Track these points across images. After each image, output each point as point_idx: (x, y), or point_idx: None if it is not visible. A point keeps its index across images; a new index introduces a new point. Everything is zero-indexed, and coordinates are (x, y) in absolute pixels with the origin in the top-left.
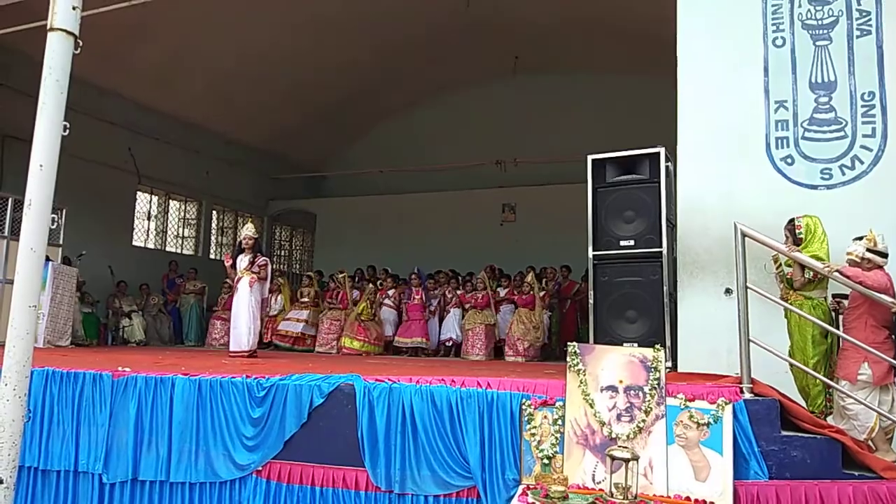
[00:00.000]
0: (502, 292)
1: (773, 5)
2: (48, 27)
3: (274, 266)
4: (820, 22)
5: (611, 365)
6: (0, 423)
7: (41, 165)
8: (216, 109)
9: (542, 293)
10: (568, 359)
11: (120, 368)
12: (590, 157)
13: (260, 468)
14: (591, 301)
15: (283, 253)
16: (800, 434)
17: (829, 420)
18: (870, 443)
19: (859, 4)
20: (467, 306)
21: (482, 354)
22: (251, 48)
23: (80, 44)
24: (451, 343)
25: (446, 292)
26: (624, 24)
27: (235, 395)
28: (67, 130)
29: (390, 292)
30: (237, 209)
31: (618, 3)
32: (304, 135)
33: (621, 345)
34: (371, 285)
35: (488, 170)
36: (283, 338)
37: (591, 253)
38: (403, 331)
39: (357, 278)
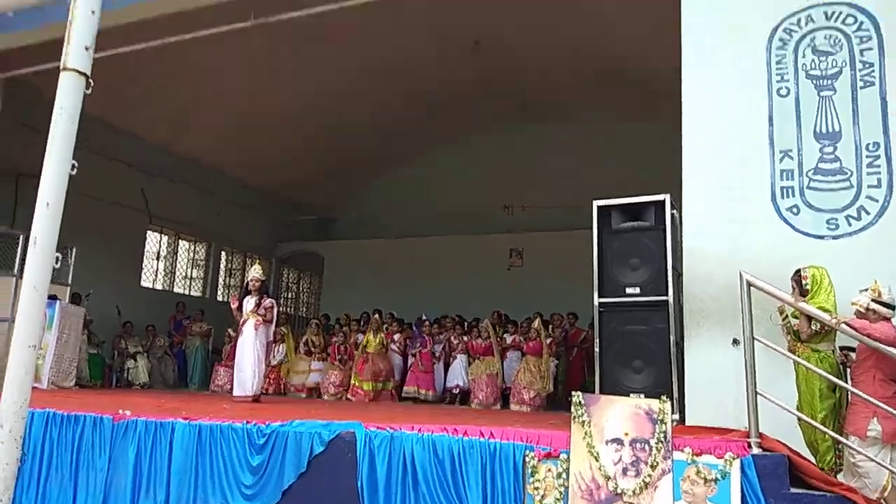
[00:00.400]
0: (508, 339)
1: (777, 55)
2: (61, 67)
3: (280, 308)
4: (824, 72)
5: (616, 416)
6: None
7: (48, 203)
8: (230, 153)
9: (548, 340)
10: (572, 409)
11: (121, 411)
12: (595, 203)
13: None
14: (596, 349)
15: (290, 295)
16: (810, 492)
17: (840, 477)
18: (883, 502)
19: (863, 56)
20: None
21: (488, 402)
22: (267, 95)
23: (92, 84)
24: (457, 390)
25: (452, 338)
26: (631, 71)
27: (235, 441)
28: (75, 169)
29: (396, 336)
30: (246, 250)
31: (625, 52)
32: (316, 179)
33: (627, 395)
34: (377, 317)
35: (496, 215)
36: (300, 392)
37: (596, 300)
38: (410, 379)
39: (362, 322)
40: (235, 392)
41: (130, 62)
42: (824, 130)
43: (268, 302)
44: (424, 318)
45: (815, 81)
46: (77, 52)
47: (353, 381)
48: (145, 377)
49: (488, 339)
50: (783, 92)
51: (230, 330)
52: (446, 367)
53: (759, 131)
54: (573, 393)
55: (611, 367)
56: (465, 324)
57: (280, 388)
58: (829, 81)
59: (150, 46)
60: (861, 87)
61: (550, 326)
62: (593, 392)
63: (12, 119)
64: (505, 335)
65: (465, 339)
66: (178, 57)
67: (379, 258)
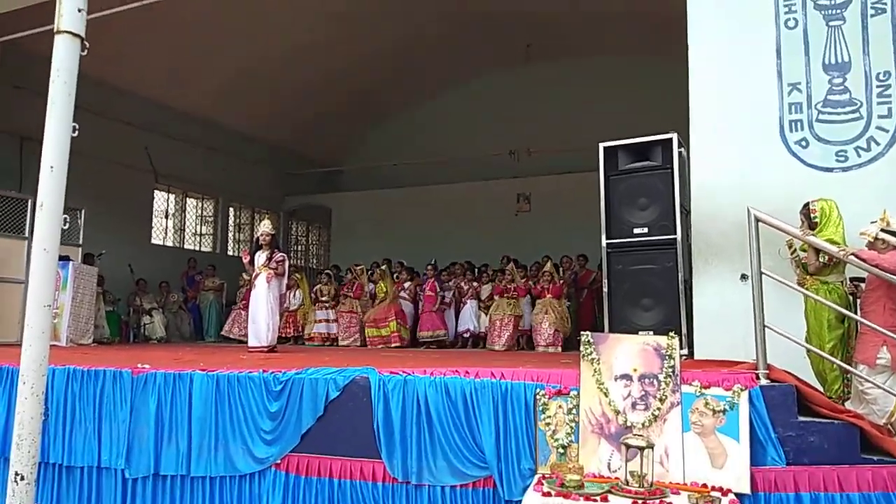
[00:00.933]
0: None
1: None
2: (55, 30)
3: (291, 262)
4: (833, 2)
5: (625, 353)
6: (20, 421)
7: (52, 167)
8: (232, 107)
9: (559, 282)
10: (581, 348)
11: (139, 365)
12: (601, 145)
13: (278, 461)
14: (605, 290)
15: (299, 248)
16: (817, 419)
17: (847, 405)
18: (889, 427)
19: None
20: (504, 297)
21: (507, 345)
22: (265, 45)
23: (87, 45)
24: (468, 334)
25: (462, 284)
26: (635, 6)
27: (252, 390)
28: (77, 132)
29: (406, 285)
30: (254, 205)
31: None
32: (320, 130)
33: (636, 333)
34: (385, 268)
35: (502, 160)
36: (313, 340)
37: (604, 241)
38: (422, 324)
39: (372, 271)
40: (250, 343)
41: (126, 21)
42: (833, 61)
43: (279, 255)
44: (430, 262)
45: (823, 12)
46: (70, 15)
47: (368, 335)
48: (162, 332)
49: (523, 280)
50: (791, 24)
51: (244, 274)
52: (457, 314)
53: (766, 65)
54: (582, 333)
55: (620, 306)
56: (475, 270)
57: (299, 331)
58: (839, 11)
59: (143, 5)
60: (872, 16)
61: (560, 269)
62: (603, 331)
63: (12, 83)
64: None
65: (475, 284)
66: (172, 12)
67: (386, 208)
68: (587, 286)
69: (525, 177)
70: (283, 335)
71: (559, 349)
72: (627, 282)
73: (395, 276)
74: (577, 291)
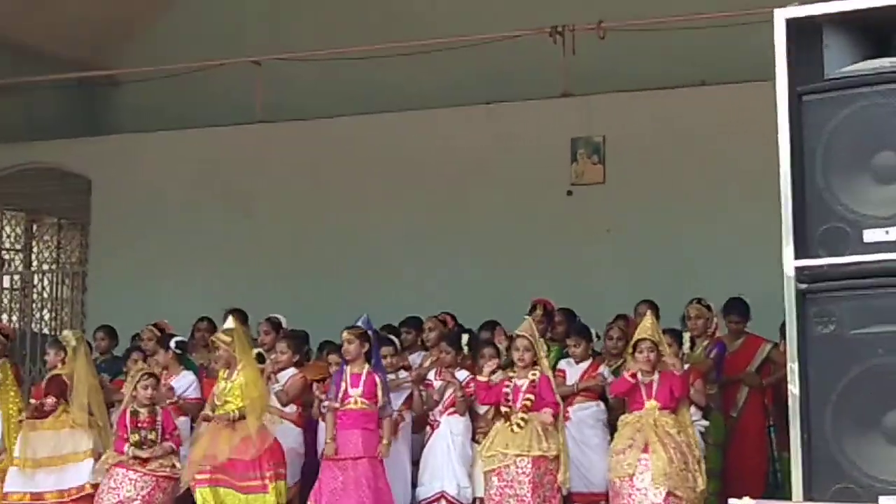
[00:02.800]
0: (574, 370)
1: None
2: None
3: None
4: None
5: None
6: None
7: None
8: None
9: (685, 367)
10: None
11: None
12: (780, 13)
13: None
14: (791, 388)
15: (13, 278)
16: None
17: None
18: None
19: None
20: (483, 409)
21: None
22: None
23: None
24: (439, 502)
25: (437, 372)
26: None
27: None
28: None
29: (285, 375)
30: None
31: None
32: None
33: (875, 500)
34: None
35: (533, 53)
36: None
37: (789, 264)
38: (323, 489)
39: (201, 340)
40: None
41: None
42: None
43: None
44: (361, 324)
45: None
46: None
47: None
48: None
49: (590, 362)
50: None
51: None
52: (421, 447)
53: None
54: (730, 502)
55: (830, 429)
56: (464, 337)
57: None
58: None
59: None
60: None
61: (686, 335)
62: (783, 493)
63: None
64: (562, 361)
65: (461, 376)
66: None
67: (233, 172)
68: (747, 380)
69: (591, 94)
70: None
71: None
72: (853, 366)
73: (257, 353)
74: (726, 394)
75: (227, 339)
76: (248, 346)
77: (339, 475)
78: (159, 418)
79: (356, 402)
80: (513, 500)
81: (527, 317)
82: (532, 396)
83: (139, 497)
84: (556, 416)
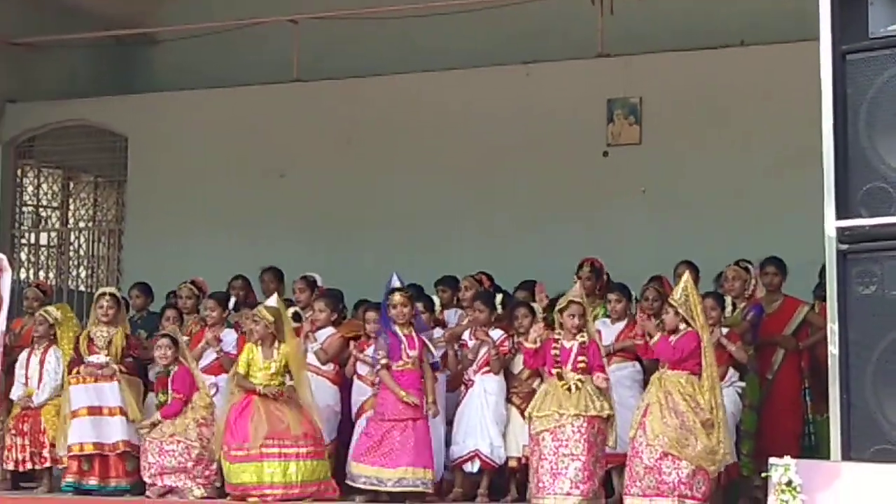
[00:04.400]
0: (610, 330)
1: None
2: None
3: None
4: None
5: None
6: None
7: None
8: None
9: (724, 331)
10: (772, 496)
11: None
12: None
13: None
14: (831, 348)
15: (46, 236)
16: None
17: None
18: None
19: None
20: (518, 369)
21: (580, 495)
22: None
23: None
24: (475, 464)
25: (472, 331)
26: None
27: None
28: None
29: (322, 334)
30: None
31: None
32: None
33: None
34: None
35: (570, 13)
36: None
37: (830, 224)
38: (373, 448)
39: (235, 303)
40: None
41: None
42: None
43: None
44: (395, 283)
45: None
46: None
47: (225, 463)
48: None
49: (625, 323)
50: None
51: None
52: (450, 414)
53: None
54: (772, 461)
55: (870, 389)
56: (499, 296)
57: (36, 460)
58: None
59: None
60: None
61: (726, 296)
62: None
63: None
64: (600, 321)
65: (498, 335)
66: None
67: (265, 132)
68: (783, 342)
69: (626, 54)
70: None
71: None
72: (894, 327)
73: (293, 312)
74: (762, 355)
75: (271, 318)
76: (290, 325)
77: (396, 434)
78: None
79: (414, 363)
80: (567, 460)
81: (576, 279)
82: (585, 359)
83: None
84: (607, 380)
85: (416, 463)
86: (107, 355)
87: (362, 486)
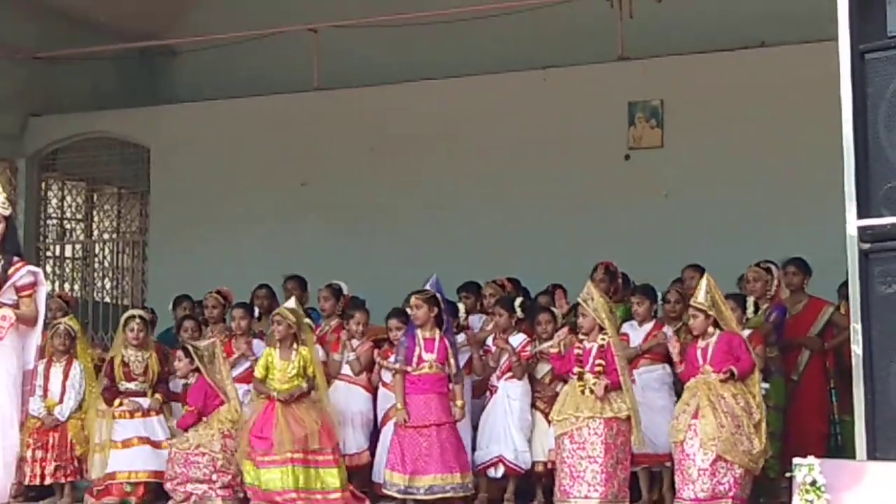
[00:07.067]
0: (638, 333)
1: None
2: None
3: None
4: None
5: None
6: None
7: None
8: None
9: (747, 332)
10: (796, 494)
11: None
12: None
13: None
14: (854, 348)
15: (70, 249)
16: None
17: None
18: None
19: None
20: (541, 374)
21: (598, 498)
22: None
23: None
24: (499, 469)
25: (495, 336)
26: None
27: None
28: None
29: (354, 343)
30: None
31: None
32: None
33: None
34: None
35: (590, 17)
36: (111, 495)
37: (851, 223)
38: (402, 455)
39: (258, 309)
40: None
41: None
42: None
43: (23, 270)
44: (430, 287)
45: None
46: None
47: (247, 470)
48: None
49: (652, 323)
50: None
51: None
52: (475, 420)
53: None
54: (795, 462)
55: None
56: (521, 299)
57: (60, 474)
58: None
59: None
60: None
61: (748, 298)
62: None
63: None
64: (625, 324)
65: (519, 340)
66: None
67: (297, 140)
68: (808, 343)
69: (646, 57)
70: (31, 481)
71: None
72: None
73: (320, 321)
74: (787, 357)
75: (293, 318)
76: (308, 329)
77: (421, 441)
78: None
79: (431, 367)
80: (586, 462)
81: (590, 281)
82: (603, 362)
83: None
84: (612, 387)
85: (445, 469)
86: (143, 381)
87: (396, 495)
